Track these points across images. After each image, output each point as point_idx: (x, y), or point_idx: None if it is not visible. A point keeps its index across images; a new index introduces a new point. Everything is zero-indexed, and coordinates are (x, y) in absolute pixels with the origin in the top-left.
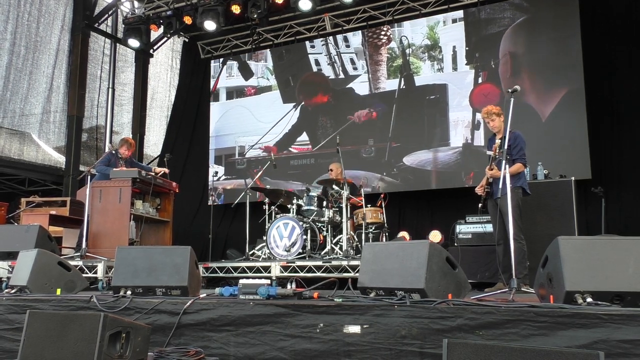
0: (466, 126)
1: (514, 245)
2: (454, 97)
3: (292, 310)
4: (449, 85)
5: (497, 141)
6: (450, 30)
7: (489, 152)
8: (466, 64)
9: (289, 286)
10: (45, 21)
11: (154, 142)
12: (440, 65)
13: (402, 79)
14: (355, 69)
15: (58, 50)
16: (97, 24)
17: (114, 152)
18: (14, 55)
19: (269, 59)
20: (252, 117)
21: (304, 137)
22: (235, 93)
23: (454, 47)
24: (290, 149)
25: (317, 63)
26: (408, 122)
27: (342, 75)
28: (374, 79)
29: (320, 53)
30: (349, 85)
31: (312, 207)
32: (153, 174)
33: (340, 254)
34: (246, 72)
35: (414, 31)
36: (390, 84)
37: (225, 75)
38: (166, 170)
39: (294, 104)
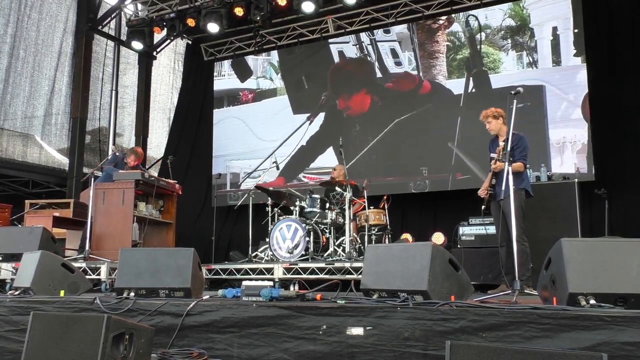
0: (579, 150)
1: (517, 247)
2: (557, 105)
3: (295, 312)
4: (548, 87)
5: (501, 144)
6: (548, 3)
7: (493, 155)
8: (576, 55)
9: (291, 288)
10: (46, 24)
11: (156, 144)
12: (532, 57)
13: (471, 78)
14: (398, 64)
15: (60, 52)
16: (100, 27)
17: (118, 154)
18: (13, 58)
19: (274, 53)
20: (248, 133)
21: (322, 162)
22: (226, 99)
23: (555, 29)
24: (302, 176)
25: (343, 57)
26: (481, 143)
27: (378, 74)
28: (426, 79)
29: (347, 42)
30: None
31: (314, 209)
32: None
33: (343, 255)
34: (242, 71)
35: (488, 6)
36: (452, 86)
37: (214, 76)
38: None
39: (307, 114)
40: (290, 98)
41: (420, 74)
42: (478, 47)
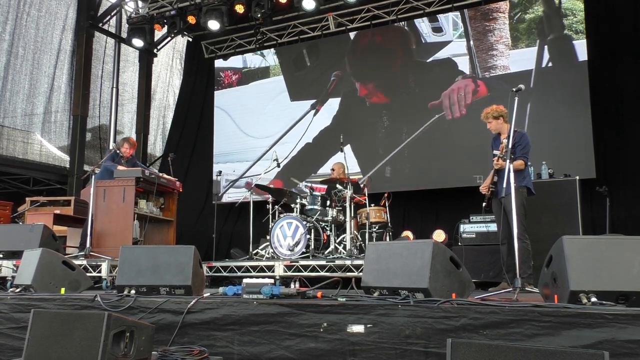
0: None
1: (518, 245)
2: None
3: (296, 309)
4: None
5: (504, 141)
6: None
7: (495, 152)
8: None
9: (292, 285)
10: (45, 22)
11: (152, 141)
12: None
13: (546, 47)
14: (437, 31)
15: (59, 50)
16: (101, 24)
17: (117, 151)
18: (12, 56)
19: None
20: (232, 127)
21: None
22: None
23: None
24: (302, 185)
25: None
26: (552, 135)
27: (411, 45)
28: (480, 49)
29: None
30: (437, 57)
31: (315, 207)
32: (155, 170)
33: (343, 253)
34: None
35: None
36: (518, 59)
37: (215, 73)
38: (173, 179)
39: (312, 101)
40: (288, 79)
41: (471, 42)
42: (556, 1)
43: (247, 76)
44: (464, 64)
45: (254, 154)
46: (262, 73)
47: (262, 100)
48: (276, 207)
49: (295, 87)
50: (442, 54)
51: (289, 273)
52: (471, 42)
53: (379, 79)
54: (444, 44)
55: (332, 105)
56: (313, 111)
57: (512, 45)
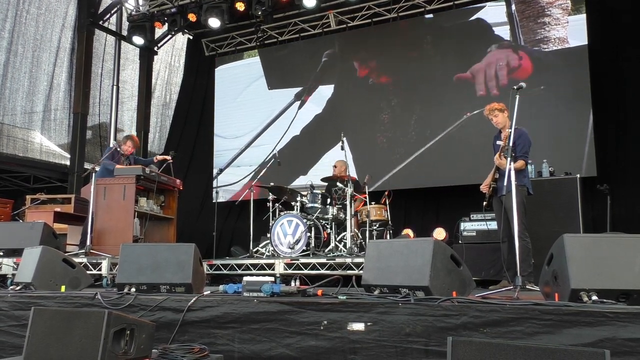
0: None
1: (519, 243)
2: None
3: (296, 307)
4: None
5: (507, 131)
6: None
7: (499, 142)
8: None
9: (292, 283)
10: (45, 20)
11: (152, 139)
12: None
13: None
14: None
15: (59, 48)
16: (101, 22)
17: (117, 149)
18: (11, 53)
19: None
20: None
21: (328, 163)
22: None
23: None
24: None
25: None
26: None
27: (427, 7)
28: (525, 15)
29: None
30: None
31: (316, 205)
32: (155, 167)
33: (344, 251)
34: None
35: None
36: (579, 29)
37: (214, 70)
38: (168, 157)
39: (296, 89)
40: (265, 62)
41: (512, 6)
42: None
43: (218, 61)
44: (500, 33)
45: (221, 159)
46: (234, 55)
47: (231, 90)
48: (276, 205)
49: (274, 71)
50: (476, 19)
51: (290, 271)
52: (513, 7)
53: (382, 56)
54: (475, 10)
55: (323, 94)
56: (298, 102)
57: (572, 9)
